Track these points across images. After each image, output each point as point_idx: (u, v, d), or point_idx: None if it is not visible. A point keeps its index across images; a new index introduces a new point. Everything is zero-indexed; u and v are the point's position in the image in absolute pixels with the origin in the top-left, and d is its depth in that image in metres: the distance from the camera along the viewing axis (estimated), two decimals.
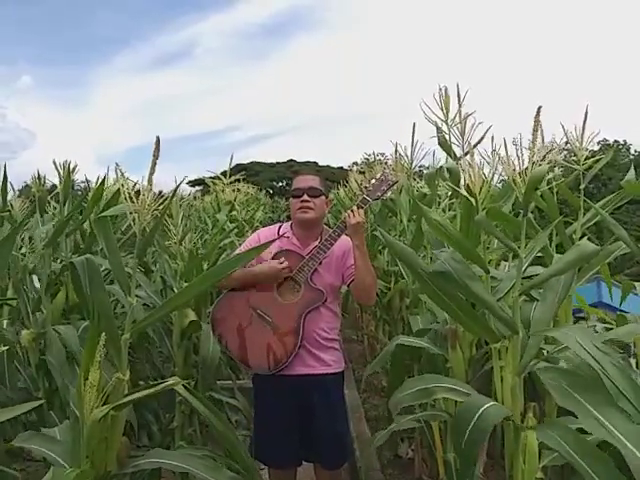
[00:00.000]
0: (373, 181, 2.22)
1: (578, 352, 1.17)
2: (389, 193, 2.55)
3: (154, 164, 1.21)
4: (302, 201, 2.17)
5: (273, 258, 2.17)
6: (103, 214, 1.37)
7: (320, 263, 2.14)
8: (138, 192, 1.32)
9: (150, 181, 1.22)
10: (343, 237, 2.15)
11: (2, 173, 2.68)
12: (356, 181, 4.95)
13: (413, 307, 2.88)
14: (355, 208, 2.09)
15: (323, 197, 2.22)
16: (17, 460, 2.51)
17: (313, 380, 2.15)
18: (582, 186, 2.14)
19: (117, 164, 1.41)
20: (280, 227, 2.31)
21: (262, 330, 2.14)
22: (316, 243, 2.18)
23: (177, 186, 1.48)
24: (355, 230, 2.05)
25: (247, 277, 2.15)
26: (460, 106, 1.98)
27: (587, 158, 2.04)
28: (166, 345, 2.58)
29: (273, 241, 1.72)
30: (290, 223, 2.31)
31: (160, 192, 1.52)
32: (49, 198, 2.75)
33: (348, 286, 2.21)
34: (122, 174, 1.33)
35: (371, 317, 4.91)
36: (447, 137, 2.08)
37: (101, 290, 1.34)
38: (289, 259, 2.16)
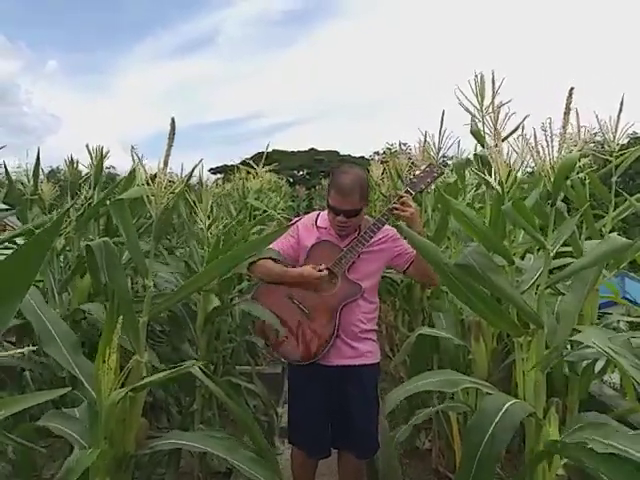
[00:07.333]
0: (417, 172, 2.19)
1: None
2: (433, 186, 2.50)
3: (170, 146, 1.20)
4: (339, 221, 2.12)
5: (311, 249, 2.16)
6: (119, 197, 1.37)
7: (358, 256, 2.11)
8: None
9: (166, 163, 1.21)
10: (387, 227, 2.15)
11: (35, 157, 2.71)
12: (389, 167, 4.83)
13: (435, 298, 2.84)
14: (405, 200, 2.07)
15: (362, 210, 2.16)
16: (42, 437, 2.57)
17: (349, 371, 2.14)
18: (614, 178, 2.07)
19: (133, 147, 1.41)
20: (318, 216, 2.28)
21: (297, 320, 2.13)
22: (354, 235, 2.16)
23: (193, 169, 1.46)
24: (412, 220, 2.06)
25: (284, 278, 2.14)
26: (494, 94, 1.91)
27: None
28: (190, 329, 2.60)
29: (290, 226, 1.71)
30: (328, 212, 2.26)
31: (187, 179, 1.51)
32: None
33: (404, 271, 2.20)
34: (139, 157, 1.33)
35: (390, 307, 4.88)
36: (480, 125, 2.02)
37: (119, 273, 1.34)
38: (326, 250, 2.14)
